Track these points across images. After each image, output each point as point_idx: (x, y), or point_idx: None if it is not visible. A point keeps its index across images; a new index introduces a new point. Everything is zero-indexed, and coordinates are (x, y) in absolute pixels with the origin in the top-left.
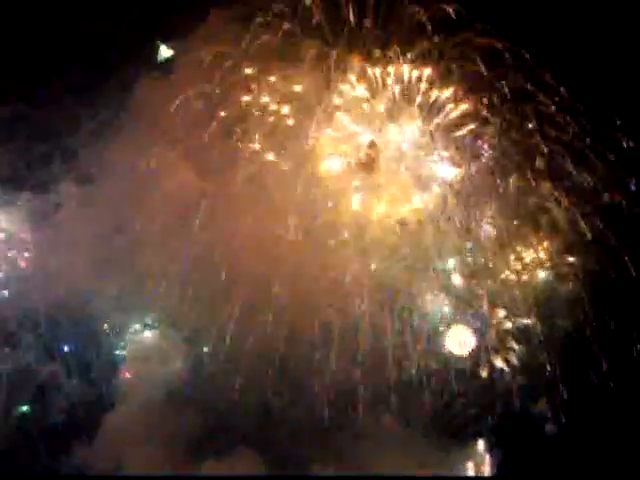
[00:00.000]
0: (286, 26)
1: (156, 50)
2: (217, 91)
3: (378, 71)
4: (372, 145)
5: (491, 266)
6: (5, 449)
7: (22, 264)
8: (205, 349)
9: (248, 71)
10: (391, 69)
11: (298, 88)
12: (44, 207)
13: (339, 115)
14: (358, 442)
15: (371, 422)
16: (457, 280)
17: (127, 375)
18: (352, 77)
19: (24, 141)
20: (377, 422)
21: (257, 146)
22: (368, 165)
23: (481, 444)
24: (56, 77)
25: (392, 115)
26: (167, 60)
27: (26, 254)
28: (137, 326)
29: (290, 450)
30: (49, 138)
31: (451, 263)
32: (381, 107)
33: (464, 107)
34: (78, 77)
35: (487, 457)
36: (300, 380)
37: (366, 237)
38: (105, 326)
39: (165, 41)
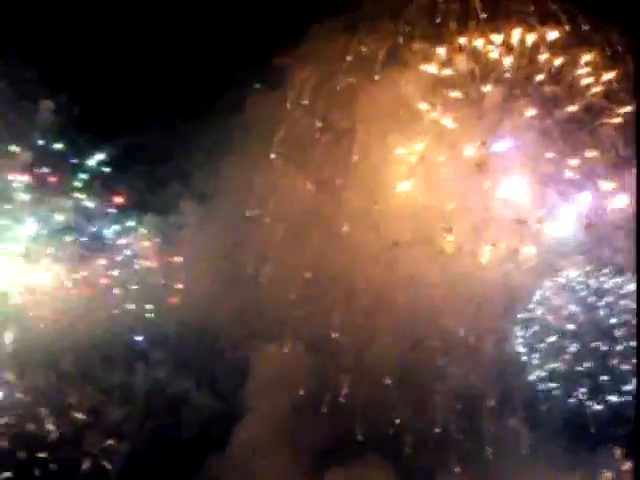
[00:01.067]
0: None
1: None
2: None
3: None
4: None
5: None
6: (139, 465)
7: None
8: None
9: (353, 80)
10: None
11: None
12: (166, 228)
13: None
14: (484, 449)
15: (497, 428)
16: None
17: (253, 388)
18: None
19: (143, 166)
20: (503, 428)
21: None
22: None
23: (617, 451)
24: (168, 102)
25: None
26: (276, 75)
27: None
28: (260, 340)
29: (417, 458)
30: (166, 161)
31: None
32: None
33: None
34: (189, 100)
35: (626, 464)
36: (423, 387)
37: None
38: (229, 340)
39: (273, 55)
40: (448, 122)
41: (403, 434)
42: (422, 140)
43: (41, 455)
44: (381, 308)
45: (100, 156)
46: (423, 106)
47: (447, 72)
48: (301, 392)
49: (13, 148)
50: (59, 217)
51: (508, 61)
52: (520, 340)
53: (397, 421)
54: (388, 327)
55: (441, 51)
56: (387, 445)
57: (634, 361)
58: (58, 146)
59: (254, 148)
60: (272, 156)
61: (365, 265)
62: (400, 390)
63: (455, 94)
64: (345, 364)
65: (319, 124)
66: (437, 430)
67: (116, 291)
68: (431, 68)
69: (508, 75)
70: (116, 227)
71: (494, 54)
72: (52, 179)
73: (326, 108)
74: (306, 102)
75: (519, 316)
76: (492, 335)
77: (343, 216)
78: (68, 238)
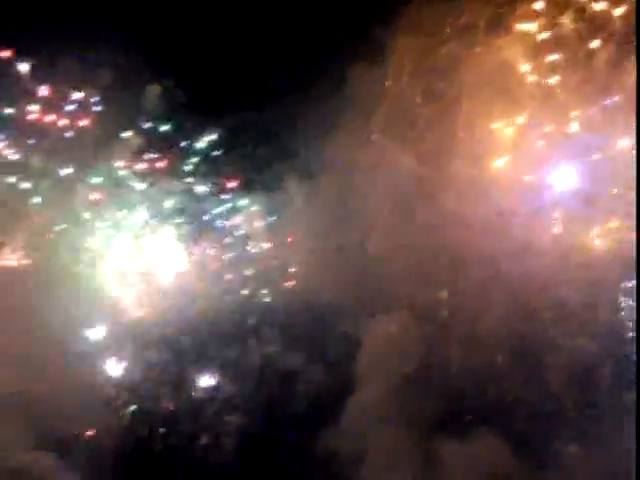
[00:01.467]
0: None
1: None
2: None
3: None
4: None
5: None
6: (254, 439)
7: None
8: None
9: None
10: None
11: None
12: (274, 208)
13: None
14: (598, 422)
15: (612, 399)
16: None
17: (364, 361)
18: None
19: (251, 146)
20: (617, 400)
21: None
22: None
23: None
24: (271, 82)
25: None
26: (377, 49)
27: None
28: (370, 313)
29: (529, 432)
30: (271, 141)
31: None
32: None
33: None
34: (291, 79)
35: None
36: (536, 359)
37: None
38: (339, 314)
39: (374, 29)
40: (554, 87)
41: (515, 407)
42: (528, 107)
43: (160, 431)
44: (492, 279)
45: (207, 138)
46: (528, 72)
47: (552, 34)
48: (412, 364)
49: (122, 134)
50: (170, 201)
51: (617, 16)
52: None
53: (509, 394)
54: (499, 298)
55: (545, 12)
56: (498, 418)
57: None
58: (166, 130)
59: (357, 124)
60: (376, 131)
61: (474, 236)
62: (512, 362)
63: (561, 56)
64: (456, 336)
65: (422, 96)
66: (550, 403)
67: (228, 275)
68: (535, 31)
69: (617, 32)
70: (226, 209)
71: (601, 10)
72: (161, 163)
73: (429, 80)
74: (408, 75)
75: (631, 285)
76: (605, 305)
77: (449, 188)
78: (179, 222)
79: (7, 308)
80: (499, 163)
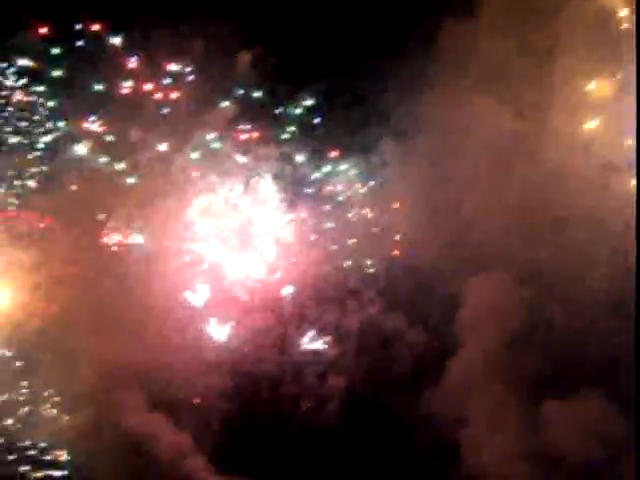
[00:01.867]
0: None
1: None
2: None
3: None
4: None
5: None
6: (356, 402)
7: None
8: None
9: None
10: None
11: None
12: (370, 171)
13: None
14: None
15: None
16: None
17: (465, 322)
18: None
19: (345, 109)
20: None
21: None
22: None
23: None
24: (360, 43)
25: None
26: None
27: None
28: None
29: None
30: (363, 103)
31: None
32: None
33: None
34: (381, 39)
35: None
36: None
37: None
38: (439, 275)
39: None
40: None
41: (620, 366)
42: (630, 55)
43: (262, 395)
44: (595, 236)
45: (299, 104)
46: (628, 19)
47: None
48: (514, 324)
49: (216, 104)
50: (266, 169)
51: None
52: None
53: (613, 352)
54: (603, 256)
55: None
56: (603, 378)
57: None
58: (259, 97)
59: (452, 81)
60: (470, 87)
61: (576, 191)
62: (615, 320)
63: None
64: (558, 295)
65: (517, 50)
66: None
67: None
68: None
69: None
70: (322, 175)
71: None
72: (256, 131)
73: (523, 31)
74: (502, 28)
75: None
76: None
77: (549, 142)
78: (276, 190)
79: (118, 282)
80: (598, 118)
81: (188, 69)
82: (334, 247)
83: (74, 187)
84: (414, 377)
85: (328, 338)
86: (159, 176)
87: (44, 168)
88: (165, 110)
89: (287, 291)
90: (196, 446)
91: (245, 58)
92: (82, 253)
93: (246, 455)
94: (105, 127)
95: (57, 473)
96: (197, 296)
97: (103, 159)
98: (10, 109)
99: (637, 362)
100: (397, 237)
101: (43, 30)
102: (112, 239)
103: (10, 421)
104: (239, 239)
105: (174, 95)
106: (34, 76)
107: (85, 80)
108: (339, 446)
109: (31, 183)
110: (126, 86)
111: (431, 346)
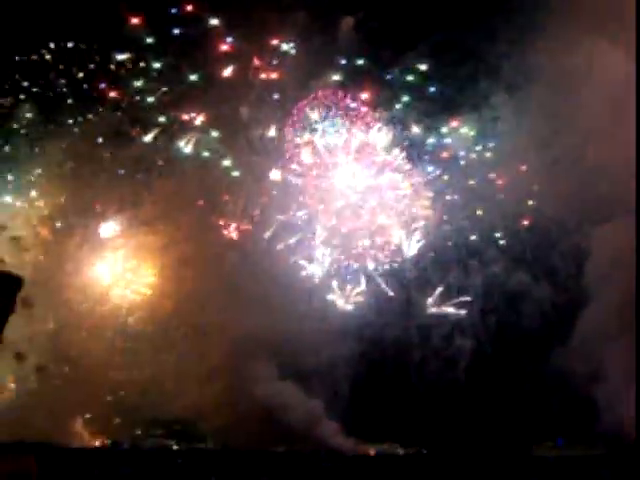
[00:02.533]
0: None
1: None
2: None
3: None
4: None
5: None
6: (485, 360)
7: None
8: None
9: None
10: None
11: None
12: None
13: None
14: None
15: None
16: None
17: (592, 274)
18: None
19: (451, 67)
20: None
21: None
22: None
23: None
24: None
25: None
26: None
27: None
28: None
29: None
30: (473, 58)
31: None
32: None
33: None
34: None
35: None
36: None
37: None
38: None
39: None
40: None
41: None
42: None
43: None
44: None
45: (407, 65)
46: None
47: None
48: None
49: (322, 71)
50: (375, 133)
51: None
52: None
53: None
54: None
55: None
56: None
57: None
58: (363, 63)
59: (561, 30)
60: (584, 30)
61: None
62: None
63: None
64: None
65: None
66: None
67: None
68: None
69: None
70: (439, 138)
71: None
72: (364, 94)
73: None
74: None
75: None
76: None
77: None
78: (388, 154)
79: (242, 259)
80: None
81: (290, 44)
82: (456, 207)
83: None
84: (542, 333)
85: (453, 298)
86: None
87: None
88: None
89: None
90: (327, 412)
91: (347, 24)
92: (205, 235)
93: (377, 419)
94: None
95: (198, 445)
96: (318, 266)
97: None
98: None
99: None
100: (521, 192)
101: (138, 20)
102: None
103: (153, 396)
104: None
105: (276, 74)
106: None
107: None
108: (468, 407)
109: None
110: (230, 69)
111: (559, 301)
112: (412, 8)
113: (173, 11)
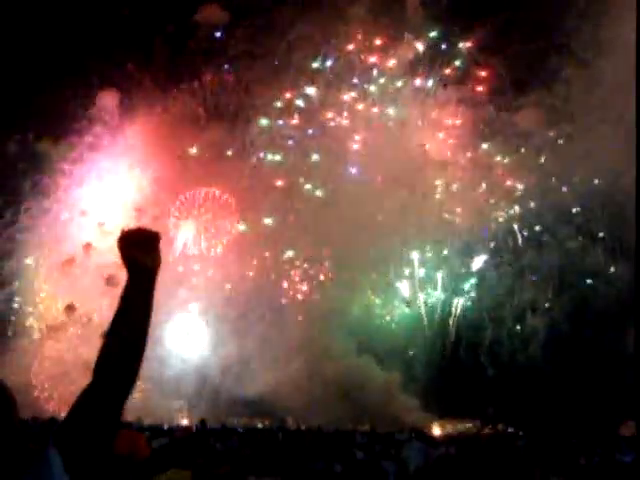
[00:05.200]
0: None
1: None
2: None
3: None
4: None
5: None
6: (558, 337)
7: None
8: None
9: None
10: None
11: None
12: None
13: None
14: None
15: None
16: None
17: None
18: None
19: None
20: None
21: None
22: None
23: None
24: None
25: None
26: None
27: None
28: None
29: None
30: (540, 34)
31: None
32: None
33: None
34: None
35: None
36: None
37: None
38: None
39: None
40: None
41: None
42: None
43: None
44: None
45: (471, 42)
46: None
47: None
48: None
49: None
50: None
51: None
52: None
53: None
54: None
55: None
56: None
57: None
58: (434, 37)
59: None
60: None
61: None
62: None
63: None
64: None
65: None
66: None
67: None
68: None
69: None
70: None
71: None
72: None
73: None
74: None
75: None
76: None
77: None
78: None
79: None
80: None
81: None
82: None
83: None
84: (618, 312)
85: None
86: None
87: None
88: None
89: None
90: (406, 387)
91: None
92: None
93: (454, 396)
94: None
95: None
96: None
97: None
98: None
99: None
100: (594, 167)
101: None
102: None
103: (234, 377)
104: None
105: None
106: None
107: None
108: (544, 385)
109: None
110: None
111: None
112: None
113: None
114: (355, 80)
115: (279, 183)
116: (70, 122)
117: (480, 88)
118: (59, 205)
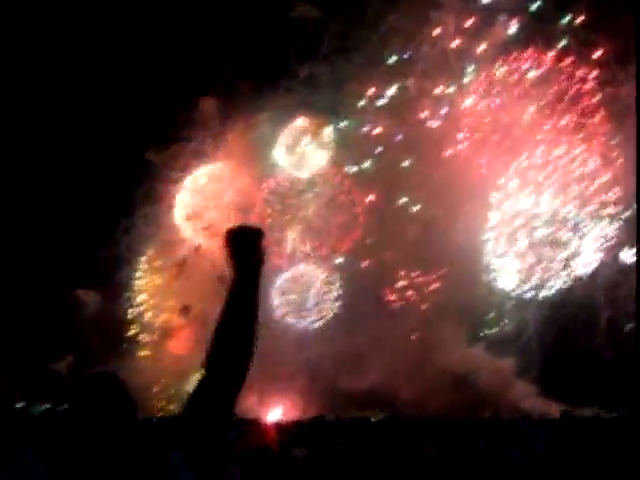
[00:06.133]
0: None
1: None
2: None
3: None
4: None
5: None
6: None
7: None
8: None
9: None
10: None
11: None
12: None
13: None
14: None
15: None
16: None
17: None
18: None
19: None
20: None
21: None
22: None
23: None
24: None
25: None
26: None
27: None
28: None
29: None
30: None
31: None
32: None
33: None
34: None
35: None
36: None
37: None
38: None
39: None
40: None
41: None
42: None
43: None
44: None
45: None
46: None
47: None
48: None
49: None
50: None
51: None
52: None
53: None
54: None
55: None
56: None
57: None
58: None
59: None
60: None
61: None
62: None
63: None
64: None
65: None
66: None
67: None
68: None
69: None
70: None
71: None
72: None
73: None
74: None
75: None
76: None
77: None
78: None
79: None
80: None
81: None
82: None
83: None
84: None
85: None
86: None
87: None
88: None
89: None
90: (522, 373)
91: None
92: None
93: (572, 380)
94: None
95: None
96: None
97: None
98: None
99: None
100: None
101: None
102: None
103: (348, 372)
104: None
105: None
106: None
107: None
108: None
109: None
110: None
111: None
112: None
113: None
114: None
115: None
116: (174, 130)
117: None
118: (170, 211)
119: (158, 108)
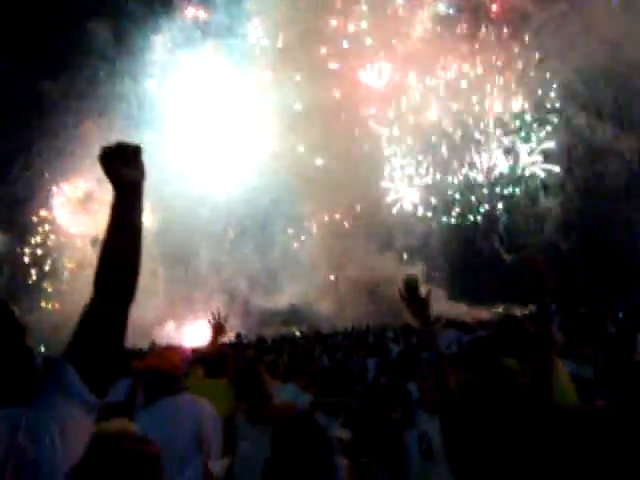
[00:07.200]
0: None
1: None
2: None
3: None
4: None
5: None
6: None
7: None
8: None
9: None
10: None
11: None
12: None
13: None
14: None
15: None
16: None
17: None
18: None
19: None
20: None
21: None
22: None
23: None
24: None
25: None
26: None
27: None
28: None
29: None
30: None
31: None
32: None
33: None
34: None
35: None
36: None
37: None
38: None
39: None
40: None
41: None
42: None
43: None
44: None
45: None
46: None
47: None
48: None
49: None
50: None
51: None
52: None
53: None
54: None
55: None
56: None
57: None
58: None
59: None
60: None
61: None
62: None
63: None
64: None
65: None
66: None
67: None
68: None
69: None
70: None
71: None
72: None
73: None
74: None
75: None
76: None
77: None
78: None
79: None
80: None
81: None
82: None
83: None
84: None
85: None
86: None
87: None
88: None
89: None
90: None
91: None
92: None
93: (477, 283)
94: None
95: None
96: None
97: None
98: None
99: None
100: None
101: None
102: None
103: (263, 290)
104: None
105: None
106: None
107: None
108: (562, 264)
109: None
110: None
111: None
112: None
113: None
114: None
115: None
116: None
117: None
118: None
119: (49, 36)
